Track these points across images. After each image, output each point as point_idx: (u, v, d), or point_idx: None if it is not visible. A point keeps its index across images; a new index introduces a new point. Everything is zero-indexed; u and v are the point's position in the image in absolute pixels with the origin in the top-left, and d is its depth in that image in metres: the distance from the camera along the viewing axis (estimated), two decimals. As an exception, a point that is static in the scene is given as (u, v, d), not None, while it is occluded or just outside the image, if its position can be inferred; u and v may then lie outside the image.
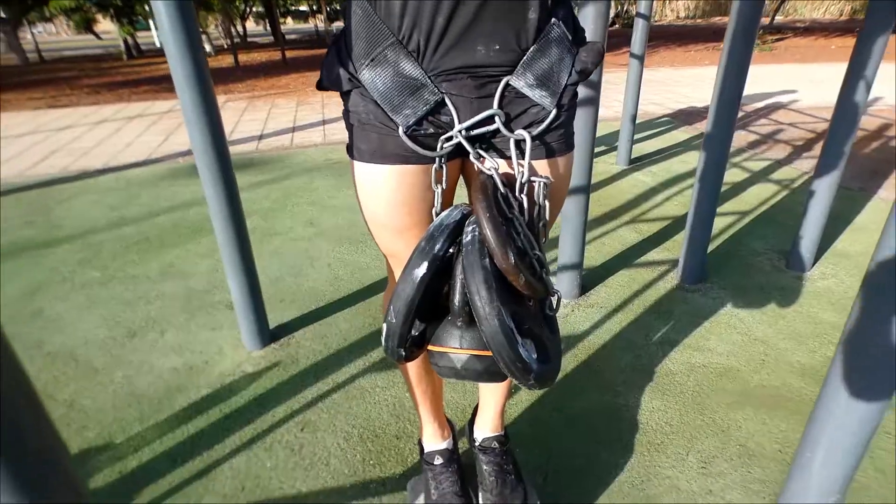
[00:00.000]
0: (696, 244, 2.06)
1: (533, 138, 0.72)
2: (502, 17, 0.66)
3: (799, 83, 6.85)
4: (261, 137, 4.63)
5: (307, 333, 1.87)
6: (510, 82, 0.71)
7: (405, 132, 0.71)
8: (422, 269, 0.67)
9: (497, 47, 0.68)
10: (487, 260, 0.64)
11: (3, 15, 12.04)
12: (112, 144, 4.48)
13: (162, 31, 1.33)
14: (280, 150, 4.20)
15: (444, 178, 0.75)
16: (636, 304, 1.99)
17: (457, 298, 0.70)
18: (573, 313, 1.94)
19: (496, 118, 0.72)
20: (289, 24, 29.27)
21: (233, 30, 11.89)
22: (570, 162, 0.83)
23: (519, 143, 0.73)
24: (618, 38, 12.00)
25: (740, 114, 5.15)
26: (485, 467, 1.12)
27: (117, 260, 2.43)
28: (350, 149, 0.78)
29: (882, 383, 0.82)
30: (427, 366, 1.04)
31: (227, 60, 11.18)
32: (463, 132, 0.72)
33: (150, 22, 16.97)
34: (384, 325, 0.71)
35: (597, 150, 3.76)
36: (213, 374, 1.68)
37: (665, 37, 14.21)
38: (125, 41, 12.25)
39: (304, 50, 13.19)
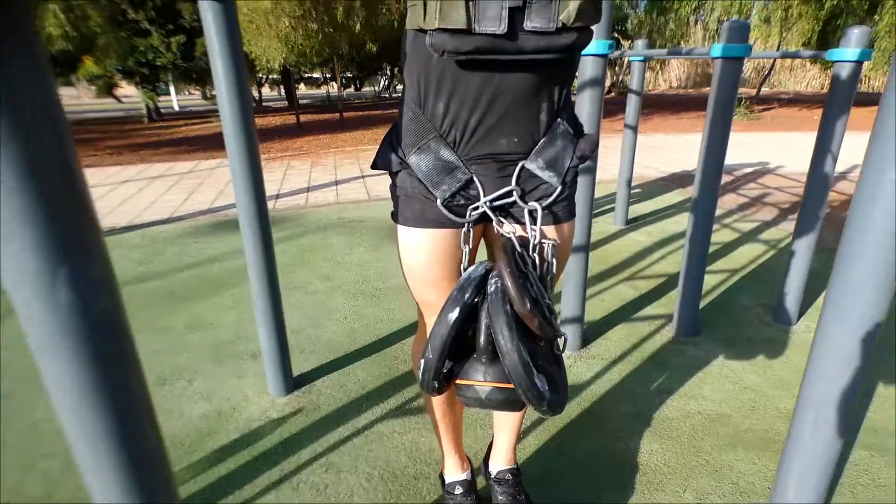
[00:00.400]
0: (689, 300, 2.22)
1: (543, 209, 0.91)
2: (521, 118, 0.86)
3: (784, 150, 7.23)
4: (277, 197, 4.90)
5: (327, 382, 2.00)
6: (525, 165, 0.91)
7: (442, 203, 0.91)
8: (454, 314, 0.84)
9: (516, 140, 0.88)
10: (508, 306, 0.81)
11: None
12: (136, 203, 4.74)
13: (220, 95, 1.55)
14: (296, 209, 4.44)
15: (470, 240, 0.94)
16: (634, 355, 2.12)
17: (482, 339, 0.86)
18: (576, 364, 2.07)
19: (514, 192, 0.91)
20: (301, 89, 30.67)
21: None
22: (573, 227, 1.02)
23: (532, 213, 0.92)
24: (614, 105, 12.66)
25: (731, 178, 5.44)
26: (500, 498, 1.24)
27: (146, 312, 2.59)
28: (395, 216, 0.97)
29: (837, 426, 0.97)
30: (451, 402, 1.18)
31: (241, 124, 11.74)
32: (487, 203, 0.91)
33: (171, 87, 17.94)
34: (422, 361, 0.87)
35: (595, 210, 3.99)
36: (241, 420, 1.80)
37: (659, 105, 14.95)
38: (147, 105, 12.91)
39: (317, 114, 13.87)
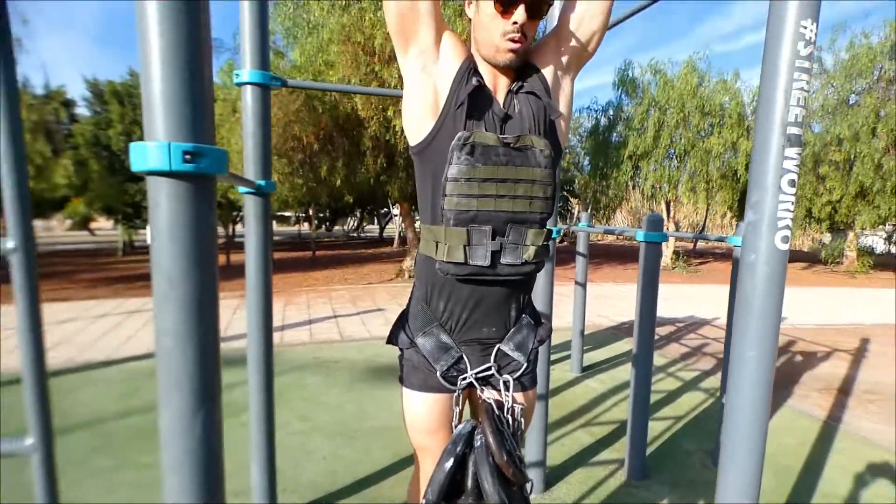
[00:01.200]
0: (636, 446, 2.51)
1: (514, 380, 1.26)
2: (498, 315, 1.25)
3: (720, 302, 8.04)
4: (253, 335, 5.10)
5: (309, 522, 2.11)
6: (500, 347, 1.28)
7: (441, 374, 1.25)
8: (449, 463, 1.13)
9: (494, 329, 1.26)
10: (491, 458, 1.12)
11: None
12: (114, 338, 4.83)
13: (248, 228, 1.91)
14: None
15: (460, 402, 1.27)
16: (592, 497, 2.34)
17: (469, 483, 1.14)
18: (540, 505, 2.27)
19: (493, 368, 1.27)
20: (273, 226, 31.73)
21: (224, 230, 13.14)
22: (536, 392, 1.36)
23: (506, 383, 1.26)
24: (566, 253, 13.81)
25: (674, 328, 6.03)
26: None
27: (128, 448, 2.66)
28: (402, 380, 1.31)
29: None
30: None
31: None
32: (473, 376, 1.26)
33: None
34: (423, 502, 1.14)
35: (553, 357, 4.37)
36: (226, 559, 1.88)
37: (608, 255, 16.35)
38: (123, 240, 13.26)
39: (289, 252, 14.45)
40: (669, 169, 12.95)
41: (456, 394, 1.26)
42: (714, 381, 4.07)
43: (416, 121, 1.16)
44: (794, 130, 1.06)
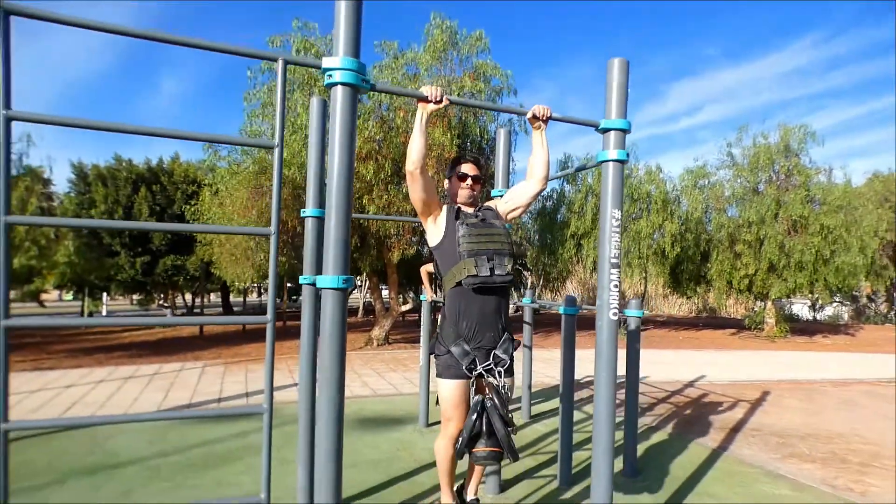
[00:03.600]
0: (565, 465, 3.46)
1: (504, 371, 2.30)
2: (493, 328, 2.33)
3: (653, 363, 9.22)
4: (247, 395, 5.78)
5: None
6: (495, 352, 2.33)
7: (465, 368, 2.28)
8: (473, 416, 2.17)
9: (491, 336, 2.33)
10: (498, 411, 2.15)
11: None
12: (121, 399, 5.43)
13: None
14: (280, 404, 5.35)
15: (473, 384, 2.30)
16: (533, 497, 3.25)
17: (484, 429, 2.16)
18: None
19: (492, 364, 2.31)
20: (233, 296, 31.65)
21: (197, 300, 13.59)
22: (514, 379, 2.41)
23: (499, 373, 2.29)
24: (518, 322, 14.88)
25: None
26: None
27: (178, 475, 3.37)
28: (440, 375, 2.32)
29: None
30: (453, 466, 2.41)
31: (187, 330, 12.52)
32: (482, 369, 2.29)
33: (105, 295, 18.52)
34: (459, 442, 2.16)
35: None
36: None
37: (558, 324, 17.55)
38: (88, 312, 13.47)
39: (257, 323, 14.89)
40: (608, 246, 14.57)
41: (471, 380, 2.31)
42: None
43: (435, 233, 2.37)
44: (614, 260, 2.21)
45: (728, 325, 20.06)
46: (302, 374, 2.87)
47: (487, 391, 2.27)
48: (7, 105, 1.42)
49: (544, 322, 17.62)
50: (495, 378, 2.30)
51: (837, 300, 24.16)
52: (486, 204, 2.56)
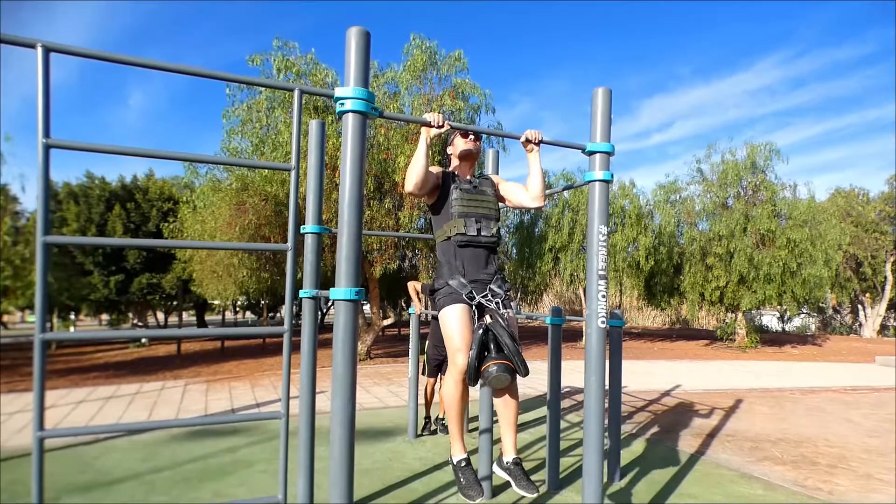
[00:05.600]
0: (552, 468, 3.60)
1: (501, 302, 2.42)
2: (485, 267, 2.47)
3: (627, 374, 9.44)
4: (233, 411, 5.76)
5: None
6: (490, 286, 2.45)
7: (465, 295, 2.39)
8: (480, 332, 2.26)
9: (484, 274, 2.46)
10: (505, 329, 2.27)
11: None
12: (104, 418, 5.36)
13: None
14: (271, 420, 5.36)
15: (475, 312, 2.40)
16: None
17: (492, 346, 2.27)
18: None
19: (490, 295, 2.42)
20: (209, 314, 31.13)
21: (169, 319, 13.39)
22: (513, 311, 2.50)
23: (497, 303, 2.40)
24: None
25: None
26: (516, 476, 2.37)
27: (175, 489, 3.39)
28: (442, 305, 2.42)
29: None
30: (464, 407, 2.51)
31: (163, 349, 12.30)
32: (479, 299, 2.41)
33: (73, 316, 18.01)
34: (468, 365, 2.23)
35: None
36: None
37: (543, 337, 17.80)
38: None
39: (235, 340, 14.69)
40: (584, 259, 14.94)
41: (473, 307, 2.42)
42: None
43: (433, 194, 2.56)
44: (602, 273, 2.38)
45: (701, 336, 20.58)
46: (303, 384, 2.96)
47: (490, 316, 2.38)
48: (46, 134, 1.53)
49: (523, 335, 17.81)
50: (496, 308, 2.42)
51: (805, 311, 25.05)
52: (488, 174, 2.91)
